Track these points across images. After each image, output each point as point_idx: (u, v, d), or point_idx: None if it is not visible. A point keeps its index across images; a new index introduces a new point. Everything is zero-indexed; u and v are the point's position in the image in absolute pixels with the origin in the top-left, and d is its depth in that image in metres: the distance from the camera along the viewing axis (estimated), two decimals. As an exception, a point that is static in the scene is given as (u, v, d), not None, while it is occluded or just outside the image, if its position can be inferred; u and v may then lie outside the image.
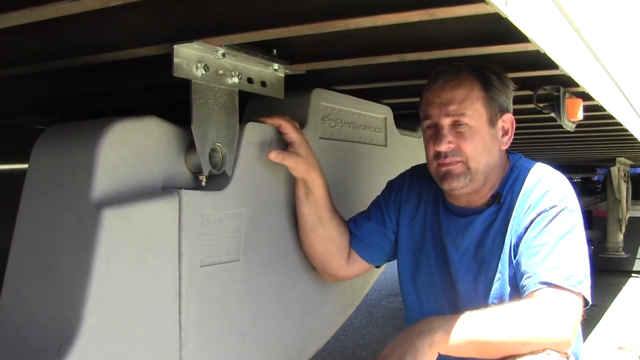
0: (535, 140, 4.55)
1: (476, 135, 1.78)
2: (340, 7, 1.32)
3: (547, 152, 5.99)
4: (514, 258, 1.76)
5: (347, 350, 5.44)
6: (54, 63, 1.67)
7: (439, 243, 1.94)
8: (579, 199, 1.82)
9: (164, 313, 1.46)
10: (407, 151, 2.66)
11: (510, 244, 1.78)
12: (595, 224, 8.71)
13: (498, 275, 1.80)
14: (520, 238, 1.75)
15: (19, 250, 1.42)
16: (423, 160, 1.94)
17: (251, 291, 1.74)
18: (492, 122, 1.80)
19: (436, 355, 1.57)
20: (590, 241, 8.41)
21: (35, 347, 1.29)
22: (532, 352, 1.57)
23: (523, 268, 1.70)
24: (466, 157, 1.78)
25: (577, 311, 1.64)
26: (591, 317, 5.48)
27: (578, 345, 1.87)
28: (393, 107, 2.58)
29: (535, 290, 1.64)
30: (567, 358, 1.62)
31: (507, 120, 1.85)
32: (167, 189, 1.51)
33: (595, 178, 9.66)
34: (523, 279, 1.69)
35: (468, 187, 1.82)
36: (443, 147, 1.78)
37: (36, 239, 1.41)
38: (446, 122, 1.78)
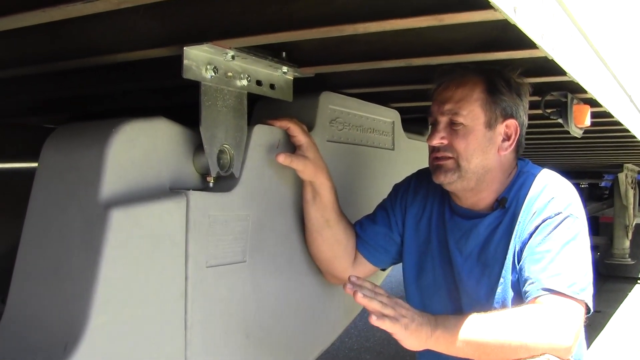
0: (543, 145, 4.54)
1: (470, 134, 1.79)
2: (349, 13, 1.33)
3: (554, 158, 5.98)
4: (518, 264, 1.76)
5: (352, 352, 5.44)
6: (63, 64, 1.67)
7: (443, 245, 1.95)
8: (585, 205, 1.82)
9: (169, 313, 1.47)
10: (415, 155, 2.65)
11: (515, 249, 1.78)
12: (602, 230, 8.68)
13: (501, 280, 1.80)
14: (524, 244, 1.75)
15: (27, 249, 1.44)
16: (430, 164, 1.95)
17: (257, 292, 1.75)
18: (490, 126, 1.81)
19: (426, 347, 1.61)
20: (596, 247, 8.39)
21: (41, 346, 1.30)
22: (531, 357, 1.58)
23: (526, 274, 1.70)
24: (457, 154, 1.80)
25: (579, 318, 1.64)
26: (595, 324, 5.46)
27: (581, 351, 1.87)
28: (401, 110, 2.58)
29: (538, 297, 1.64)
30: (569, 364, 1.63)
31: (511, 126, 1.85)
32: (174, 190, 1.52)
33: (603, 184, 9.62)
34: (526, 285, 1.69)
35: (458, 184, 1.83)
36: (434, 142, 1.82)
37: (44, 238, 1.42)
38: (442, 119, 1.82)
